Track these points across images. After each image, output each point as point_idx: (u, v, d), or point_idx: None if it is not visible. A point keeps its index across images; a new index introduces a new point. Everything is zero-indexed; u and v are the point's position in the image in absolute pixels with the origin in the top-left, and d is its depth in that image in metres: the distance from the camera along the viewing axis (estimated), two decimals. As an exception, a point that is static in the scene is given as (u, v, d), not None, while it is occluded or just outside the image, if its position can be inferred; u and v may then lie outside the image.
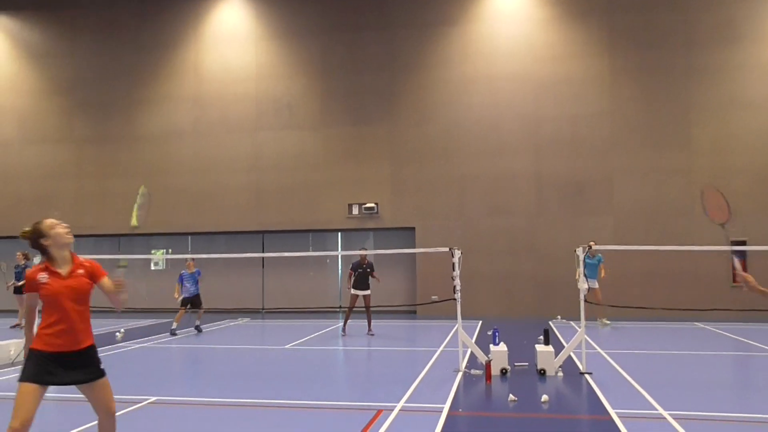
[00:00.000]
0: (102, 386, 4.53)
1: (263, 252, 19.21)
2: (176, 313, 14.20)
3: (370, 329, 13.57)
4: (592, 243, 10.80)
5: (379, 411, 6.76)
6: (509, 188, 17.87)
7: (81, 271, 4.52)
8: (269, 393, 7.81)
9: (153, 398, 7.50)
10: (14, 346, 10.43)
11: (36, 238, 4.44)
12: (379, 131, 18.76)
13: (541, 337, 9.70)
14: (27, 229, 4.51)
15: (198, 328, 14.44)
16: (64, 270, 4.44)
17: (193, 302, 14.26)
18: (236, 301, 19.03)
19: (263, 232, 19.59)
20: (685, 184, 16.89)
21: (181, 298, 14.21)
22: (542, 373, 8.72)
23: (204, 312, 14.76)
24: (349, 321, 13.83)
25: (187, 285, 14.18)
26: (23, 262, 15.84)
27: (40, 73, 21.18)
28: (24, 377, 4.24)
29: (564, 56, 17.88)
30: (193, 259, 14.53)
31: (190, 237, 20.26)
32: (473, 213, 18.05)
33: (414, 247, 17.61)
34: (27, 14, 21.43)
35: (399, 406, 6.99)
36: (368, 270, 13.41)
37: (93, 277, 4.60)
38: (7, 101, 21.24)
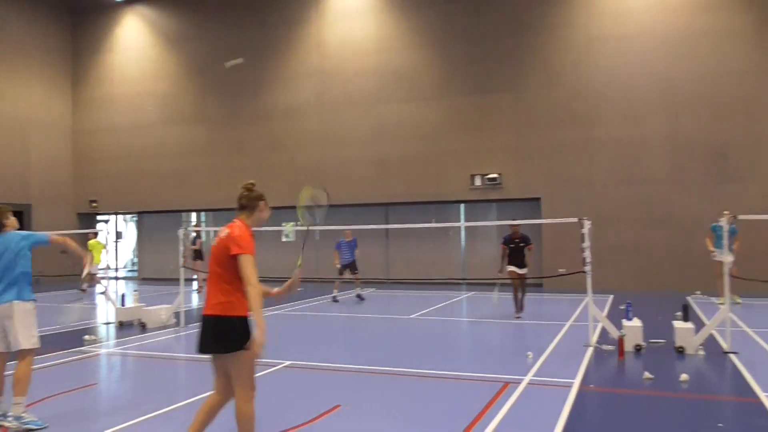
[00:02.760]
0: None
1: (387, 224, 19.50)
2: (331, 282, 14.97)
3: (519, 312, 11.75)
4: (726, 212, 10.01)
5: (506, 384, 6.67)
6: (642, 154, 16.81)
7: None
8: (395, 361, 7.95)
9: (287, 362, 7.87)
10: (165, 311, 11.35)
11: (257, 200, 4.40)
12: (502, 98, 18.28)
13: (679, 313, 9.10)
14: (254, 188, 4.46)
15: (360, 297, 15.14)
16: None
17: (350, 268, 15.01)
18: (362, 271, 19.52)
19: (387, 204, 19.85)
20: None
21: (339, 265, 15.01)
22: (680, 351, 8.21)
23: (359, 279, 15.39)
24: (498, 294, 12.74)
25: (345, 252, 14.93)
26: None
27: (177, 58, 22.59)
28: (246, 345, 4.16)
29: (702, 8, 16.39)
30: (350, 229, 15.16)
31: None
32: (603, 181, 17.19)
33: (540, 218, 17.11)
34: (163, 3, 22.86)
35: (527, 379, 6.86)
36: (521, 244, 11.66)
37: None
38: (150, 86, 22.88)
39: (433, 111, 19.06)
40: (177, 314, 11.42)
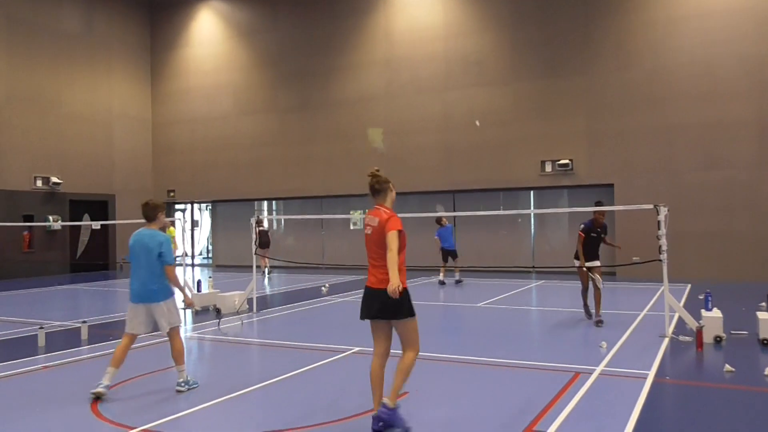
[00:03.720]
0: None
1: (454, 211, 19.40)
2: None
3: (597, 316, 9.54)
4: None
5: (577, 374, 6.55)
6: (725, 138, 16.01)
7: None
8: (463, 349, 7.93)
9: (356, 348, 8.00)
10: (238, 297, 11.73)
11: (386, 183, 5.09)
12: (573, 82, 17.80)
13: (764, 303, 8.68)
14: (379, 173, 5.11)
15: (458, 282, 15.68)
16: None
17: (451, 254, 15.51)
18: (429, 259, 19.52)
19: (454, 192, 19.75)
20: None
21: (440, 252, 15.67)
22: (765, 343, 7.83)
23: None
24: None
25: (446, 238, 15.47)
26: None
27: (250, 50, 23.13)
28: (414, 312, 4.96)
29: (796, -19, 15.41)
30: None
31: (385, 197, 21.02)
32: (681, 166, 16.50)
33: (613, 205, 16.60)
34: (236, -5, 23.45)
35: (599, 369, 6.72)
36: (603, 234, 9.85)
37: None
38: (224, 77, 23.55)
39: (501, 96, 18.77)
40: (249, 300, 11.78)
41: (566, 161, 17.73)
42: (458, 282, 15.84)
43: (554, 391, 5.91)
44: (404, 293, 4.80)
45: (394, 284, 4.60)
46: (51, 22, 21.40)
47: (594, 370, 6.69)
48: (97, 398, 5.85)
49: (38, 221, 20.20)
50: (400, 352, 5.05)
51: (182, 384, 6.15)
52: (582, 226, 9.78)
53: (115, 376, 6.07)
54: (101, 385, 5.91)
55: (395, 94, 20.37)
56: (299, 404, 5.73)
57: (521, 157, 18.44)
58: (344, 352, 7.87)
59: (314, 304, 12.63)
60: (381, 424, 4.72)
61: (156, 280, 6.15)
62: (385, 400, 4.79)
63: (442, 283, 15.71)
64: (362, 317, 5.05)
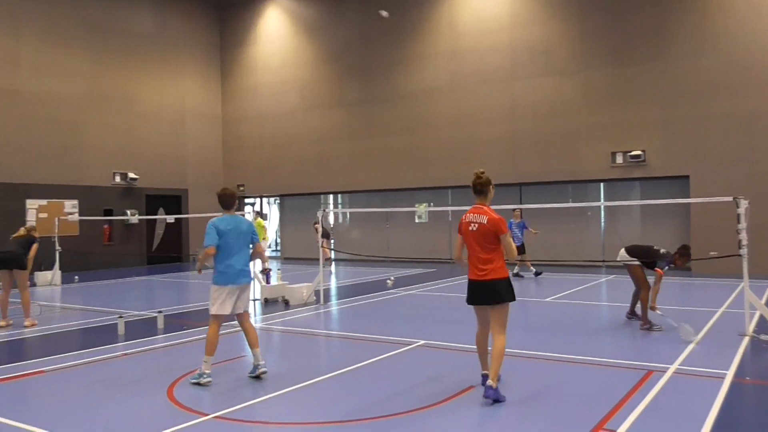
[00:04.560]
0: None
1: (520, 204, 19.10)
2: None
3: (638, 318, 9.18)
4: None
5: (650, 372, 6.35)
6: (812, 125, 15.09)
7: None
8: (531, 345, 7.82)
9: (421, 341, 8.02)
10: (305, 289, 11.96)
11: (488, 184, 5.73)
12: (645, 70, 17.17)
13: None
14: (483, 174, 5.74)
15: (516, 275, 15.58)
16: None
17: (519, 249, 15.32)
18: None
19: (520, 184, 19.44)
20: None
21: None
22: None
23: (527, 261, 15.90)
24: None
25: (516, 233, 15.29)
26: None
27: (315, 45, 23.43)
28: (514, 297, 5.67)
29: None
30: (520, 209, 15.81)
31: (450, 190, 20.97)
32: (761, 155, 15.68)
33: (688, 197, 15.96)
34: (302, -8, 23.78)
35: (673, 368, 6.49)
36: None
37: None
38: (291, 73, 23.96)
39: (570, 86, 18.32)
40: (317, 292, 11.99)
41: (638, 152, 17.14)
42: (536, 273, 15.81)
43: (625, 389, 5.76)
44: (506, 281, 5.57)
45: (513, 257, 5.59)
46: (126, 23, 22.31)
47: (668, 368, 6.47)
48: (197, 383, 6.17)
49: (117, 215, 21.18)
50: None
51: (262, 366, 6.40)
52: (665, 267, 8.63)
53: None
54: (207, 376, 6.17)
55: (460, 85, 20.21)
56: (368, 395, 5.80)
57: (591, 148, 17.96)
58: (410, 344, 7.90)
59: (380, 297, 12.73)
60: (491, 399, 5.40)
61: (247, 262, 6.51)
62: (490, 381, 5.42)
63: (518, 275, 15.63)
64: (468, 303, 5.79)
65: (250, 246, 6.58)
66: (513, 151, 19.21)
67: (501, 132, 19.41)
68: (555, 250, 18.73)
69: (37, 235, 10.59)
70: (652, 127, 17.08)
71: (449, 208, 19.31)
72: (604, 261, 18.10)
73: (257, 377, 6.37)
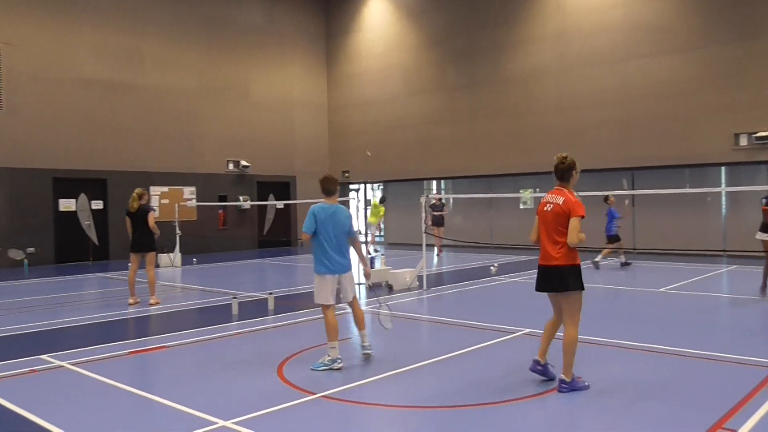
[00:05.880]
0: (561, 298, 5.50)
1: (633, 189, 18.22)
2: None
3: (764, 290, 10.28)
4: None
5: (776, 370, 5.91)
6: None
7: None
8: (640, 336, 7.48)
9: (526, 330, 7.90)
10: (409, 274, 12.07)
11: (570, 169, 5.52)
12: (775, 44, 15.80)
13: None
14: (566, 159, 5.55)
15: (624, 264, 14.96)
16: None
17: (613, 238, 14.89)
18: (603, 240, 18.58)
19: (632, 169, 18.55)
20: None
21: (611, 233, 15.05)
22: None
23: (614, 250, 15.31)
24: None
25: (616, 221, 14.83)
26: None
27: (418, 30, 23.40)
28: (582, 287, 5.40)
29: None
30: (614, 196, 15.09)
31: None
32: None
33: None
34: (406, -22, 23.78)
35: (802, 367, 6.01)
36: None
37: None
38: (394, 58, 24.10)
39: (687, 64, 17.20)
40: (420, 278, 12.07)
41: (765, 133, 15.85)
42: (624, 264, 15.03)
43: (745, 390, 5.38)
44: (574, 268, 5.30)
45: (573, 240, 5.23)
46: (238, 18, 23.27)
47: (797, 366, 6.00)
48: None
49: (231, 201, 22.29)
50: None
51: (369, 347, 6.63)
52: (764, 200, 9.68)
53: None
54: (339, 361, 6.29)
55: (567, 67, 19.50)
56: (467, 381, 5.79)
57: (710, 130, 16.80)
58: (514, 333, 7.80)
59: (483, 284, 12.63)
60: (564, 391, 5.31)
61: (345, 251, 6.52)
62: (562, 375, 5.31)
63: (597, 266, 14.86)
64: (536, 290, 5.63)
65: (349, 235, 6.54)
66: (624, 135, 18.34)
67: (611, 115, 18.57)
68: (670, 238, 17.77)
69: (147, 198, 10.79)
70: (783, 106, 15.73)
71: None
72: (725, 251, 16.97)
73: (366, 358, 6.57)
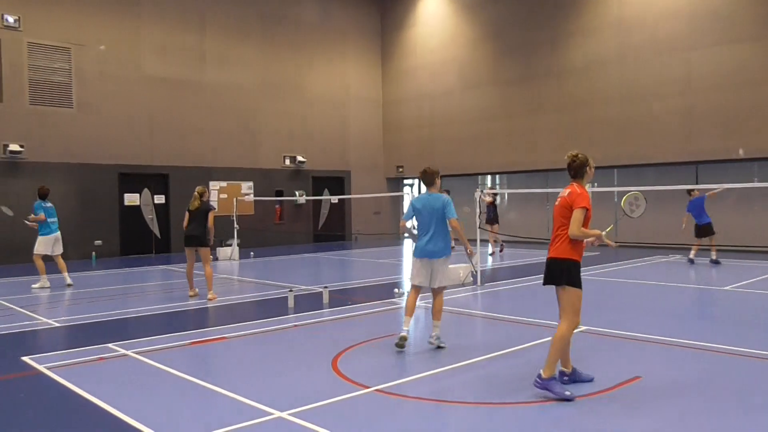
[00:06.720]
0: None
1: (696, 184, 17.59)
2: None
3: None
4: None
5: None
6: None
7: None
8: (705, 336, 7.23)
9: (582, 327, 7.74)
10: (462, 270, 12.01)
11: (582, 167, 5.48)
12: None
13: None
14: (577, 157, 5.49)
15: (714, 262, 14.34)
16: None
17: (706, 230, 14.24)
18: (666, 236, 18.02)
19: (696, 163, 17.89)
20: None
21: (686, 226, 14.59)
22: None
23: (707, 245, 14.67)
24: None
25: (697, 213, 14.28)
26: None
27: (473, 24, 23.17)
28: (578, 285, 5.24)
29: None
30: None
31: (615, 170, 19.85)
32: None
33: None
34: (461, -30, 23.55)
35: None
36: None
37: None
38: (450, 53, 23.94)
39: (757, 53, 16.45)
40: (473, 273, 11.98)
41: (843, 124, 15.04)
42: (714, 262, 14.31)
43: (820, 392, 5.14)
44: (572, 264, 5.19)
45: (598, 237, 5.24)
46: (295, 15, 23.56)
47: None
48: (401, 345, 6.64)
49: (287, 196, 22.65)
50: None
51: (435, 338, 6.83)
52: None
53: (411, 322, 6.88)
54: (404, 331, 6.73)
55: (628, 57, 18.94)
56: (525, 378, 5.72)
57: (782, 121, 16.03)
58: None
59: (538, 280, 12.41)
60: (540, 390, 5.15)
61: (441, 238, 6.83)
62: (540, 370, 5.13)
63: (691, 261, 14.45)
64: (543, 284, 5.48)
65: (448, 216, 6.83)
66: (688, 127, 17.70)
67: (674, 106, 17.95)
68: (739, 234, 17.09)
69: (207, 196, 10.99)
70: None
71: (614, 189, 18.25)
72: (797, 247, 16.18)
73: (438, 347, 6.82)
